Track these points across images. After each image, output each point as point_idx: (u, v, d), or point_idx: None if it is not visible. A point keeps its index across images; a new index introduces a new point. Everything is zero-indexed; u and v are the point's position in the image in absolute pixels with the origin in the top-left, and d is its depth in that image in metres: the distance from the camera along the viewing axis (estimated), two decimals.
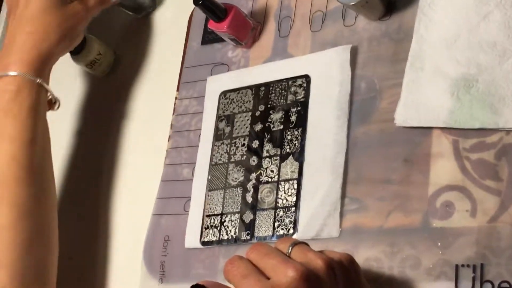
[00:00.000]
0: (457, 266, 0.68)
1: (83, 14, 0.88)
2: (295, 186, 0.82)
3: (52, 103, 0.89)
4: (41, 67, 0.84)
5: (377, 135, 0.80)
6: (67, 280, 0.92)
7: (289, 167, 0.84)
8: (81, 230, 1.00)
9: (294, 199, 0.82)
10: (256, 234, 0.83)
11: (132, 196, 0.98)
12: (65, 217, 0.93)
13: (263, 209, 0.83)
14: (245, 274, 0.58)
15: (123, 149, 1.02)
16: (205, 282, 0.61)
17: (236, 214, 0.85)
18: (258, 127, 0.89)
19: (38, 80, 0.83)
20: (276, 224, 0.82)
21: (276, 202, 0.83)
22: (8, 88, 0.81)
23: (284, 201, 0.82)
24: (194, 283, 0.60)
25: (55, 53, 0.86)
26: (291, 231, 0.80)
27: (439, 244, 0.70)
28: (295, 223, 0.81)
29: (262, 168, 0.86)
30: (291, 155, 0.84)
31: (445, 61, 0.76)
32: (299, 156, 0.84)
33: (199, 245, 0.87)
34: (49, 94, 0.87)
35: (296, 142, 0.85)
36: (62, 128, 1.06)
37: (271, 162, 0.85)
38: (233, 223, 0.85)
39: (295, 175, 0.83)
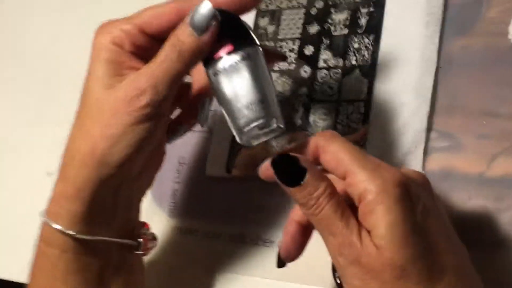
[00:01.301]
0: None
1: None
2: (362, 110, 0.63)
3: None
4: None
5: (481, 51, 0.60)
6: None
7: (354, 84, 0.64)
8: None
9: (360, 127, 0.62)
10: None
11: None
12: None
13: None
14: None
15: None
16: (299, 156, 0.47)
17: None
18: (314, 29, 0.68)
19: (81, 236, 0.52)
20: None
21: (335, 128, 0.64)
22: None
23: (346, 128, 0.63)
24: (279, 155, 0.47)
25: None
26: None
27: None
28: None
29: (316, 82, 0.66)
30: (357, 69, 0.64)
31: None
32: (369, 71, 0.64)
33: (225, 173, 0.67)
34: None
35: (366, 52, 0.64)
36: None
37: (330, 76, 0.65)
38: None
39: (363, 95, 0.63)
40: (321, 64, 0.66)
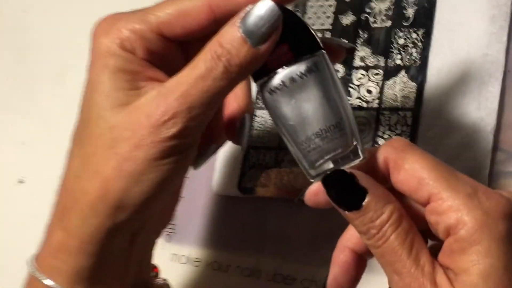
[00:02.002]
0: None
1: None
2: (409, 122, 0.51)
3: None
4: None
5: None
6: None
7: (399, 89, 0.52)
8: None
9: None
10: None
11: None
12: None
13: None
14: None
15: None
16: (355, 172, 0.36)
17: None
18: (348, 19, 0.56)
19: None
20: None
21: (374, 142, 0.52)
22: None
23: None
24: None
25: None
26: None
27: None
28: None
29: (351, 85, 0.54)
30: (403, 70, 0.53)
31: None
32: (418, 74, 0.52)
33: (237, 192, 0.56)
34: None
35: (414, 50, 0.53)
36: None
37: (369, 78, 0.54)
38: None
39: (410, 103, 0.52)
40: (357, 62, 0.54)
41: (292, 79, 0.35)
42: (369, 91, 0.53)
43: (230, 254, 0.55)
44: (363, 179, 0.36)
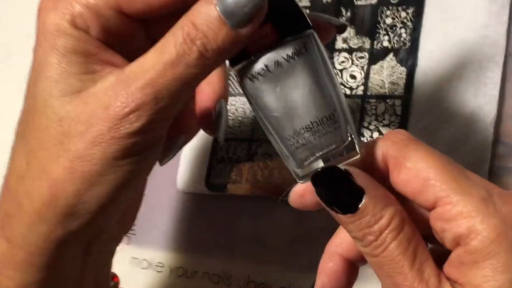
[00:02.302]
0: None
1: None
2: (398, 111, 0.46)
3: None
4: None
5: None
6: None
7: (387, 74, 0.47)
8: None
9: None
10: None
11: None
12: None
13: None
14: None
15: None
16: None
17: None
18: None
19: None
20: None
21: (359, 134, 0.47)
22: None
23: (376, 135, 0.46)
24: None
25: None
26: None
27: None
28: None
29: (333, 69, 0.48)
30: (391, 53, 0.47)
31: None
32: (408, 57, 0.46)
33: (204, 189, 0.50)
34: None
35: (403, 31, 0.47)
36: None
37: (352, 61, 0.48)
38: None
39: (399, 90, 0.46)
40: (339, 44, 0.49)
41: (277, 63, 0.29)
42: (352, 77, 0.48)
43: (197, 258, 0.50)
44: (360, 177, 0.31)
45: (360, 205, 0.30)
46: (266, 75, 0.30)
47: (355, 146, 0.31)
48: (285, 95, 0.30)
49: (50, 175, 0.31)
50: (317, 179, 0.31)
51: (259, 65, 0.30)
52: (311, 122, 0.30)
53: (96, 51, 0.32)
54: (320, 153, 0.31)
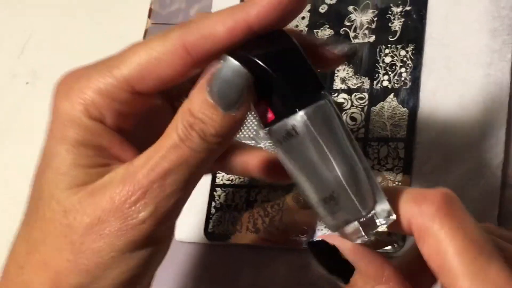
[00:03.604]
0: None
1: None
2: (401, 154, 0.44)
3: None
4: None
5: None
6: None
7: (388, 116, 0.45)
8: None
9: (400, 178, 0.44)
10: None
11: None
12: None
13: None
14: None
15: None
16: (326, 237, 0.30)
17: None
18: (325, 33, 0.49)
19: None
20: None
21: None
22: None
23: (381, 182, 0.44)
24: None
25: None
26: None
27: None
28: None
29: None
30: (391, 94, 0.45)
31: None
32: (409, 97, 0.45)
33: (203, 238, 0.48)
34: None
35: (404, 70, 0.46)
36: None
37: (352, 103, 0.46)
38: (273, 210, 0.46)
39: (402, 132, 0.45)
40: (338, 85, 0.47)
41: (284, 136, 0.28)
42: (353, 119, 0.46)
43: None
44: (350, 253, 0.29)
45: (351, 279, 0.29)
46: (278, 145, 0.29)
47: (375, 222, 0.29)
48: (299, 168, 0.29)
49: (52, 267, 0.30)
50: (313, 248, 0.30)
51: (271, 136, 0.29)
52: (316, 202, 0.29)
53: (108, 145, 0.31)
54: (346, 227, 0.29)
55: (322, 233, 0.44)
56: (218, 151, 0.30)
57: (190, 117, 0.29)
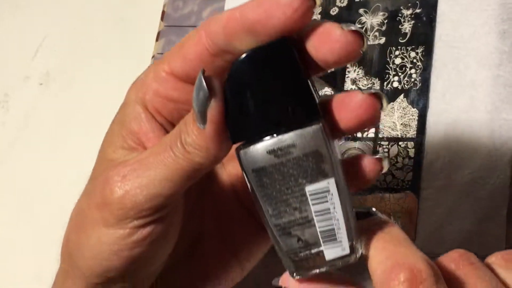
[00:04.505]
0: None
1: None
2: (411, 154, 0.45)
3: None
4: None
5: None
6: None
7: (398, 116, 0.46)
8: None
9: (409, 177, 0.44)
10: None
11: None
12: None
13: None
14: None
15: None
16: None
17: None
18: None
19: None
20: None
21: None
22: None
23: (391, 181, 0.45)
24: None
25: None
26: None
27: None
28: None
29: None
30: (402, 94, 0.46)
31: None
32: (419, 98, 0.45)
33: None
34: None
35: (414, 71, 0.46)
36: None
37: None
38: None
39: (412, 132, 0.45)
40: (348, 85, 0.48)
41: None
42: None
43: None
44: None
45: None
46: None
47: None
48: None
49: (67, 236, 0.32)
50: None
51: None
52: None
53: (142, 126, 0.31)
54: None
55: None
56: (200, 165, 0.29)
57: (182, 124, 0.29)
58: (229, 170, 0.35)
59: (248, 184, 0.28)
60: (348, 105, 0.28)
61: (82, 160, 0.38)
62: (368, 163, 0.29)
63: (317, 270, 0.29)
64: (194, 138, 0.28)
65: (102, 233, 0.30)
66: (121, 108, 0.32)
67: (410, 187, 0.44)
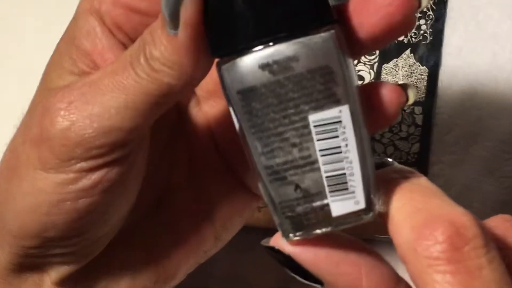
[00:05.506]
0: None
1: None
2: (419, 121, 0.37)
3: None
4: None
5: None
6: None
7: (403, 75, 0.38)
8: None
9: (416, 149, 0.36)
10: None
11: None
12: None
13: None
14: None
15: None
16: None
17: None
18: None
19: None
20: None
21: (373, 150, 0.37)
22: None
23: (393, 153, 0.37)
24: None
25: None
26: None
27: None
28: None
29: None
30: (408, 49, 0.38)
31: None
32: (429, 54, 0.38)
33: None
34: None
35: (423, 21, 0.39)
36: None
37: (359, 59, 0.39)
38: None
39: (420, 94, 0.38)
40: None
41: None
42: (360, 78, 0.38)
43: None
44: (311, 266, 0.24)
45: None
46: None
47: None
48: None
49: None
50: (268, 254, 0.25)
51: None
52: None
53: (99, 42, 0.25)
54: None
55: None
56: (171, 88, 0.22)
57: (146, 34, 0.23)
58: (206, 110, 0.29)
59: (232, 113, 0.21)
60: (373, 2, 0.21)
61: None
62: (389, 91, 0.23)
63: (320, 231, 0.22)
64: (163, 50, 0.22)
65: (39, 178, 0.24)
66: (71, 22, 0.25)
67: (417, 161, 0.37)
